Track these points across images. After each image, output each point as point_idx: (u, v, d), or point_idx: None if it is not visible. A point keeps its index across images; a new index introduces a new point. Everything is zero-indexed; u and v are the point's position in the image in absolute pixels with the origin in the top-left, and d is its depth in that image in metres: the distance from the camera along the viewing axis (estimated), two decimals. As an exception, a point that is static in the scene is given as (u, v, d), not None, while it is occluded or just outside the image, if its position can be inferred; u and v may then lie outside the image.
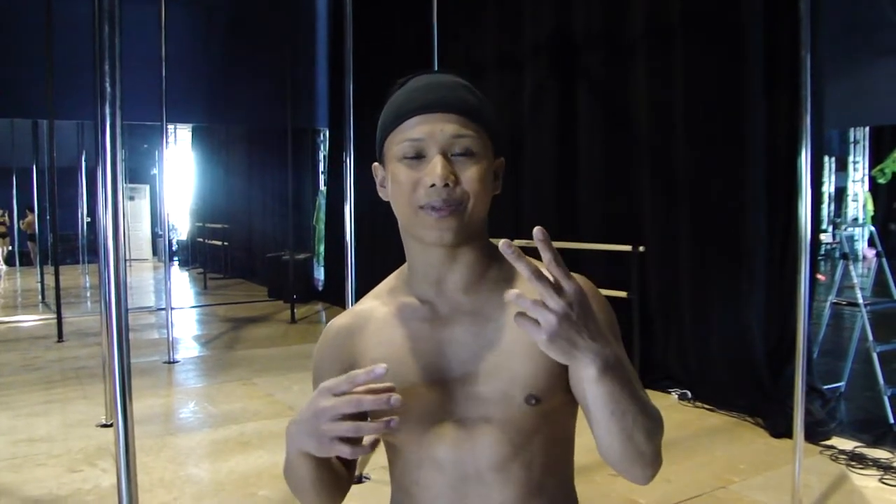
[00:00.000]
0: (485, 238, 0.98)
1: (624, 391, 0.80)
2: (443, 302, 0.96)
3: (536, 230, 0.73)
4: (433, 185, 0.88)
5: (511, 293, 0.73)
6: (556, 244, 0.76)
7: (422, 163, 0.90)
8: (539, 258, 0.77)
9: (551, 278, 0.75)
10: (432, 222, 0.89)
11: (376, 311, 1.00)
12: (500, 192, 0.98)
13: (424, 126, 0.90)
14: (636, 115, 4.95)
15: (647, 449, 0.84)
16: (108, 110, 1.48)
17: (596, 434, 0.85)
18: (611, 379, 0.78)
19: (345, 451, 0.80)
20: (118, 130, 1.49)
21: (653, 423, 0.85)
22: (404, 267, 1.02)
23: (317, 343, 1.04)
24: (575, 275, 0.97)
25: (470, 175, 0.89)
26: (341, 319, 1.03)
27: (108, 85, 1.47)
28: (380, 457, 0.96)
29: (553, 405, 0.91)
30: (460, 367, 0.93)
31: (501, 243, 0.74)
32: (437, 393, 0.92)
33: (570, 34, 5.39)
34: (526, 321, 0.74)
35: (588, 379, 0.78)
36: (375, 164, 0.99)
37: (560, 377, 0.91)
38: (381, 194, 0.98)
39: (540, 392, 0.90)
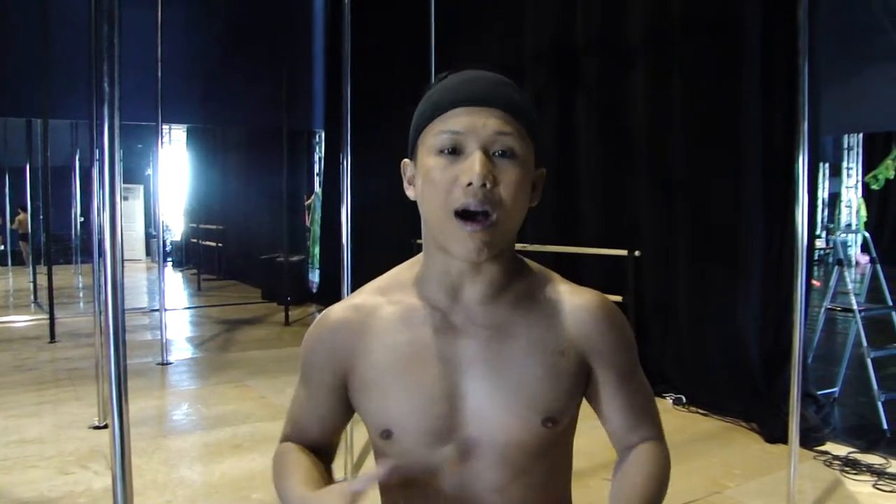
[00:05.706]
0: (512, 251, 0.90)
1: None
2: (457, 311, 0.88)
3: None
4: (470, 184, 0.79)
5: None
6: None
7: (458, 159, 0.81)
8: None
9: None
10: (464, 236, 0.80)
11: (381, 309, 0.91)
12: (536, 204, 0.89)
13: (466, 118, 0.82)
14: (633, 121, 4.96)
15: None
16: (106, 111, 1.47)
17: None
18: None
19: None
20: (116, 131, 1.48)
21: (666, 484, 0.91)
22: (416, 262, 0.93)
23: (309, 329, 0.94)
24: (595, 294, 0.91)
25: (510, 178, 0.81)
26: (340, 311, 0.93)
27: (106, 85, 1.46)
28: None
29: (564, 426, 0.88)
30: (472, 384, 0.86)
31: None
32: (443, 408, 0.85)
33: (569, 42, 5.40)
34: None
35: None
36: (405, 160, 0.91)
37: (575, 398, 0.89)
38: (407, 193, 0.90)
39: (557, 415, 0.86)
